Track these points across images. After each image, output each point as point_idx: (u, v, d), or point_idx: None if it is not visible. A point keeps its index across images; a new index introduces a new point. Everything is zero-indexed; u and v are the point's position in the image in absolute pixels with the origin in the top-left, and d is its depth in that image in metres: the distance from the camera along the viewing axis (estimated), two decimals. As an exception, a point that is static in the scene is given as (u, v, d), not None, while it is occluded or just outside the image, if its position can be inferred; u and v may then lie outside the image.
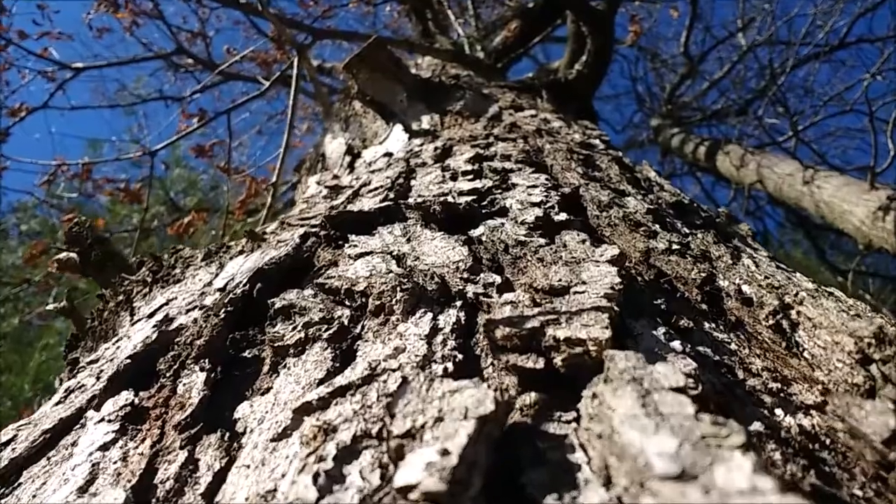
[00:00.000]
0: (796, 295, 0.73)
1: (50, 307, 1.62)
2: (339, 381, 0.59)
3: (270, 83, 3.82)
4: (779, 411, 0.59)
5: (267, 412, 0.66)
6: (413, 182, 1.59)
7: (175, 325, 1.08)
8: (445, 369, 0.60)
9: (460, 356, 0.65)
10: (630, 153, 8.62)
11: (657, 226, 1.03)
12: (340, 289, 0.88)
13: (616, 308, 0.66)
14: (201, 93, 6.99)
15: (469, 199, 1.26)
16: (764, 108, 6.91)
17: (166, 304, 1.27)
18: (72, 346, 1.59)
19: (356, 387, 0.57)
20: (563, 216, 1.09)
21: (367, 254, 1.01)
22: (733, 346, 0.75)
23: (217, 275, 1.34)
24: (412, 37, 5.77)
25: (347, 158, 2.60)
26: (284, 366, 0.74)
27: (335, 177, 2.55)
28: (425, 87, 2.78)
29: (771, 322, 0.72)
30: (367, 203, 1.43)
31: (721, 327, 0.79)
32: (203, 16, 6.83)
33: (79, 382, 1.02)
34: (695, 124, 8.13)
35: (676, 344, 0.65)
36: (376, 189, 1.55)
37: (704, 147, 7.15)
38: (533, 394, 0.55)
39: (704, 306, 0.84)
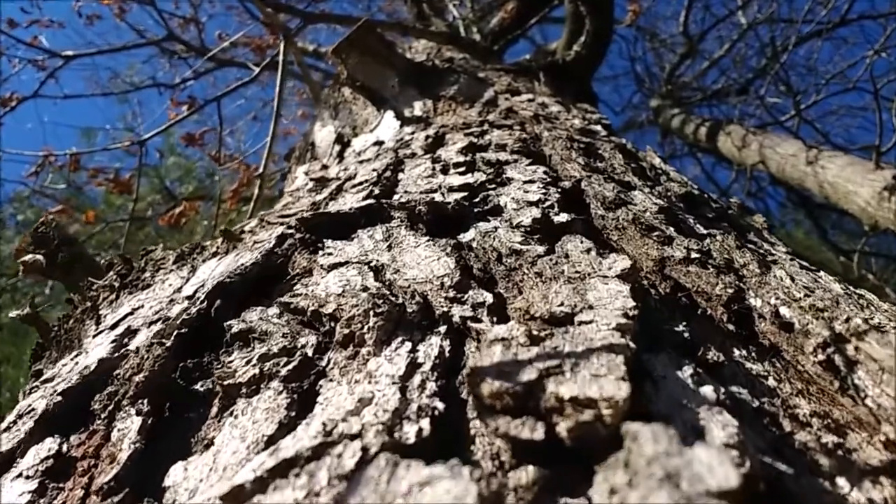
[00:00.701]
0: (848, 323, 0.60)
1: (13, 315, 1.49)
2: (287, 448, 0.46)
3: (260, 69, 3.67)
4: (842, 481, 0.46)
5: (201, 480, 0.53)
6: (401, 175, 1.46)
7: (135, 341, 0.95)
8: (419, 434, 0.46)
9: (440, 406, 0.52)
10: (629, 135, 8.46)
11: (671, 229, 0.90)
12: (307, 309, 0.74)
13: (632, 345, 0.52)
14: (195, 80, 6.84)
15: (460, 196, 1.12)
16: (766, 87, 6.74)
17: (131, 313, 1.14)
18: (37, 356, 1.47)
19: (304, 461, 0.44)
20: (563, 217, 0.96)
21: (343, 264, 0.88)
22: (771, 382, 0.61)
23: (188, 279, 1.21)
24: (407, 19, 5.61)
25: (337, 147, 2.46)
26: (232, 413, 0.61)
27: (324, 167, 2.42)
28: (418, 72, 2.63)
29: (821, 357, 0.58)
30: (350, 200, 1.30)
31: (754, 355, 0.66)
32: (195, 1, 6.66)
33: (29, 406, 0.90)
34: (695, 104, 7.95)
35: (708, 391, 0.52)
36: (361, 184, 1.42)
37: (705, 128, 6.98)
38: (531, 469, 0.42)
39: (731, 327, 0.71)
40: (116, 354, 0.88)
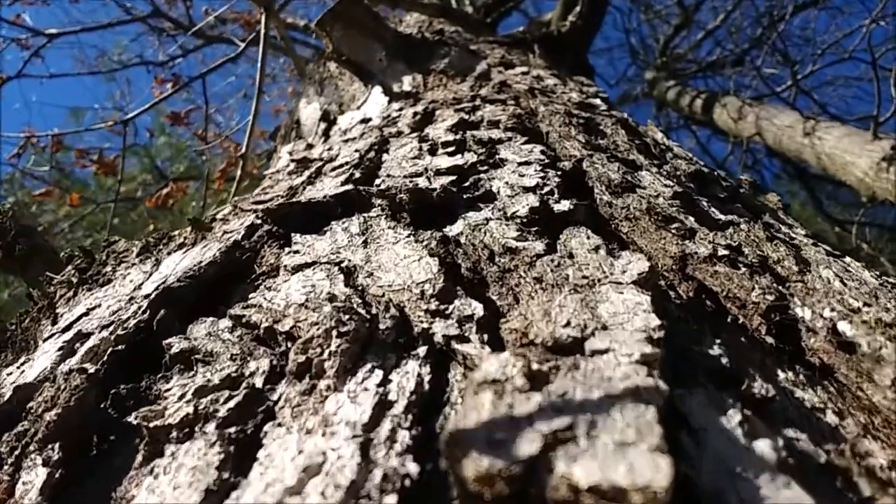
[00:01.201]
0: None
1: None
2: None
3: (245, 45, 3.50)
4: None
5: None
6: (385, 157, 1.32)
7: (85, 347, 0.82)
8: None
9: (414, 471, 0.39)
10: (624, 108, 8.28)
11: (691, 219, 0.76)
12: (261, 324, 0.61)
13: (663, 386, 0.39)
14: (183, 57, 6.65)
15: (447, 180, 0.99)
16: (762, 58, 6.56)
17: (86, 314, 1.01)
18: (-7, 358, 1.34)
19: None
20: (564, 205, 0.82)
21: (310, 265, 0.75)
22: (830, 416, 0.49)
23: (150, 275, 1.08)
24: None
25: (322, 125, 2.31)
26: (152, 471, 0.48)
27: (308, 146, 2.27)
28: (407, 45, 2.48)
29: (904, 394, 0.46)
30: (329, 185, 1.16)
31: (802, 378, 0.53)
32: (182, -24, 6.44)
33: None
34: (690, 76, 7.76)
35: (765, 448, 0.39)
36: (341, 167, 1.28)
37: (701, 100, 6.81)
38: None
39: (771, 340, 0.58)
40: (53, 373, 0.75)
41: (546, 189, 0.87)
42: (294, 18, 5.81)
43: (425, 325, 0.56)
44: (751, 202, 1.26)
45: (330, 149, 1.82)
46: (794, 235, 1.06)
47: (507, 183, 0.93)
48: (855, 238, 5.89)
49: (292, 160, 1.73)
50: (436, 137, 1.32)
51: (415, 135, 1.40)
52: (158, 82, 4.25)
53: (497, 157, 1.09)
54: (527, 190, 0.87)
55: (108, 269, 1.23)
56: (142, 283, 1.04)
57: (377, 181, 1.12)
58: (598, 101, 1.75)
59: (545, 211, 0.80)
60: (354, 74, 2.37)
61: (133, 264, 1.20)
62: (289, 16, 5.94)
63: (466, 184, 1.00)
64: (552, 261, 0.63)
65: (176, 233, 1.30)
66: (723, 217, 0.94)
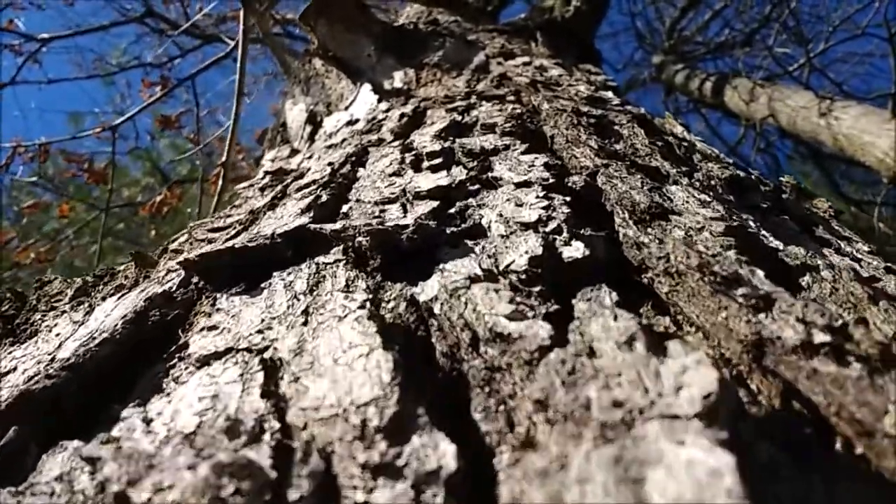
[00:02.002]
0: None
1: None
2: None
3: (235, 43, 3.27)
4: None
5: None
6: (361, 171, 1.09)
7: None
8: None
9: None
10: (632, 93, 8.00)
11: (759, 275, 0.52)
12: (112, 482, 0.39)
13: None
14: (181, 57, 6.45)
15: (427, 208, 0.76)
16: (773, 37, 6.25)
17: (-3, 381, 0.80)
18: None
19: None
20: (577, 249, 0.59)
21: (223, 354, 0.53)
22: None
23: (80, 326, 0.86)
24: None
25: (308, 128, 2.09)
26: None
27: (293, 151, 2.04)
28: (398, 38, 2.24)
29: None
30: (288, 212, 0.93)
31: None
32: (177, -25, 6.22)
33: None
34: (699, 59, 7.45)
35: None
36: (308, 186, 1.05)
37: (711, 82, 6.52)
38: None
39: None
40: None
41: (552, 225, 0.64)
42: (284, 13, 5.56)
43: (360, 500, 0.34)
44: (798, 211, 1.03)
45: (310, 157, 1.60)
46: (858, 255, 0.83)
47: (500, 215, 0.70)
48: (877, 220, 5.61)
49: (266, 172, 1.50)
50: (421, 147, 1.09)
51: (398, 143, 1.17)
52: (147, 85, 4.04)
53: (490, 174, 0.86)
54: (526, 227, 0.64)
55: (38, 316, 1.01)
56: (66, 339, 0.83)
57: (344, 207, 0.89)
58: (609, 95, 1.51)
59: (551, 260, 0.57)
60: (341, 72, 2.14)
61: (63, 311, 0.98)
62: (290, 11, 5.71)
63: (452, 210, 0.77)
64: (563, 363, 0.40)
65: (121, 269, 1.08)
66: (781, 246, 0.71)
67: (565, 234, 0.62)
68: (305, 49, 2.31)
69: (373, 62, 2.15)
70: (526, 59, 2.05)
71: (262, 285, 0.66)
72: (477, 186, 0.85)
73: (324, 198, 0.95)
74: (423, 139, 1.15)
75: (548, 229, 0.63)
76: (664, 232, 0.62)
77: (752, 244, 0.63)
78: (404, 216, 0.75)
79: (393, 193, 0.86)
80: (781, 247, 0.68)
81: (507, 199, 0.74)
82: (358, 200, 0.89)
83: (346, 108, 2.02)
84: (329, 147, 1.58)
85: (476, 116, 1.32)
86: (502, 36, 2.58)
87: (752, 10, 7.15)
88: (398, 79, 2.03)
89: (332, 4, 2.12)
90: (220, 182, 2.25)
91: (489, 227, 0.69)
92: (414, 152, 1.10)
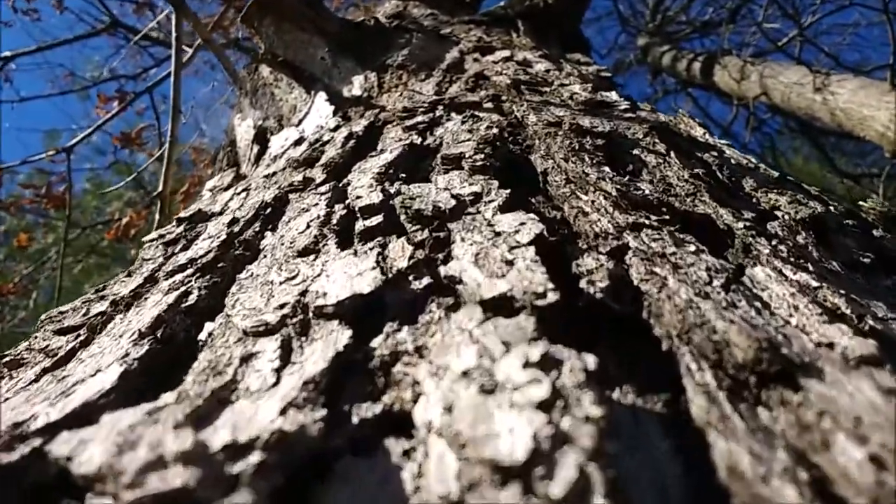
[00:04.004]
0: None
1: None
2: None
3: (193, 51, 2.88)
4: None
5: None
6: (265, 241, 0.72)
7: None
8: None
9: None
10: (617, 78, 7.57)
11: None
12: None
13: None
14: (157, 67, 6.06)
15: (317, 371, 0.39)
16: (763, 12, 5.83)
17: None
18: None
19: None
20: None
21: None
22: None
23: None
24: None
25: (255, 148, 1.71)
26: None
27: (237, 178, 1.67)
28: (357, 36, 1.86)
29: None
30: (112, 352, 0.56)
31: None
32: (146, -17, 5.80)
33: None
34: (685, 39, 7.02)
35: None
36: (185, 269, 0.68)
37: (699, 62, 6.11)
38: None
39: None
40: None
41: (566, 423, 0.27)
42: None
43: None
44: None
45: (244, 190, 1.23)
46: None
47: (455, 387, 0.33)
48: (884, 194, 5.24)
49: (178, 218, 1.13)
50: (355, 197, 0.72)
51: (327, 189, 0.79)
52: (103, 101, 3.63)
53: (447, 268, 0.49)
54: (511, 430, 0.27)
55: None
56: None
57: (208, 327, 0.52)
58: (611, 97, 1.13)
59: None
60: (292, 79, 1.76)
61: None
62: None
63: (371, 361, 0.41)
64: None
65: None
66: None
67: (601, 473, 0.24)
68: (254, 53, 1.92)
69: (328, 66, 1.76)
70: (506, 52, 1.67)
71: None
72: (423, 291, 0.48)
73: (191, 298, 0.58)
74: (362, 182, 0.77)
75: (541, 437, 0.26)
76: (803, 438, 0.26)
77: None
78: (276, 382, 0.38)
79: (282, 306, 0.48)
80: None
81: (473, 342, 0.37)
82: (228, 317, 0.51)
83: (298, 124, 1.64)
84: (266, 179, 1.20)
85: (440, 138, 0.95)
86: (479, 28, 2.20)
87: (736, -15, 6.71)
88: (357, 85, 1.65)
89: (277, 1, 1.74)
90: (158, 217, 1.87)
91: (430, 423, 0.32)
92: (345, 205, 0.73)
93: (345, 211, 0.72)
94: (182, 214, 1.16)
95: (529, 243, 0.50)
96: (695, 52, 6.38)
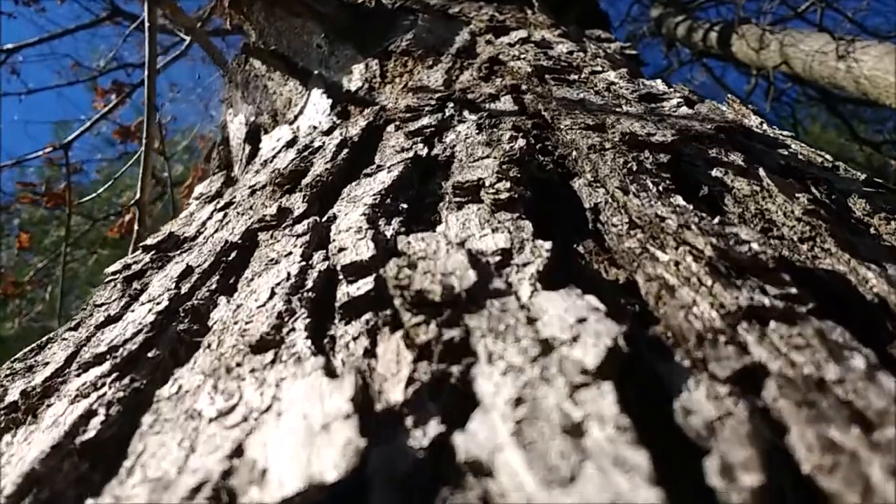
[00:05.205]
0: None
1: None
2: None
3: (191, 40, 2.68)
4: None
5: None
6: (216, 314, 0.52)
7: None
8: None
9: None
10: (631, 50, 7.24)
11: None
12: None
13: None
14: (163, 55, 5.83)
15: None
16: (783, -22, 5.50)
17: None
18: None
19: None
20: None
21: None
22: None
23: None
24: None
25: (247, 149, 1.51)
26: None
27: (226, 182, 1.46)
28: (357, 19, 1.64)
29: None
30: (52, 429, 0.37)
31: None
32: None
33: None
34: (700, 8, 6.69)
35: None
36: (103, 360, 0.49)
37: (715, 32, 5.80)
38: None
39: None
40: None
41: None
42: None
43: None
44: None
45: (224, 206, 1.04)
46: None
47: None
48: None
49: (144, 246, 0.94)
50: (336, 249, 0.52)
51: (303, 232, 0.59)
52: (101, 94, 3.42)
53: (460, 438, 0.29)
54: None
55: None
56: None
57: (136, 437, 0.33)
58: (656, 86, 0.91)
59: None
60: (285, 71, 1.55)
61: None
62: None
63: None
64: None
65: None
66: None
67: None
68: (244, 43, 1.72)
69: (325, 54, 1.55)
70: (522, 32, 1.45)
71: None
72: (427, 456, 0.28)
73: (93, 425, 0.39)
74: (351, 219, 0.57)
75: None
76: None
77: None
78: None
79: (196, 491, 0.29)
80: None
81: None
82: (123, 483, 0.32)
83: (293, 121, 1.44)
84: (250, 194, 1.01)
85: (451, 147, 0.74)
86: (490, 5, 1.96)
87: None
88: (357, 74, 1.44)
89: (267, -16, 1.52)
90: (136, 227, 1.68)
91: None
92: (325, 254, 0.53)
93: (325, 265, 0.52)
94: (149, 241, 0.96)
95: (599, 372, 0.29)
96: (711, 21, 6.06)
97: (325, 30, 1.56)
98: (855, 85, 4.74)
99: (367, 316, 0.44)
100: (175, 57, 3.08)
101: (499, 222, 0.50)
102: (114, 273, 0.89)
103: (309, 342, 0.41)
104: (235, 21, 1.70)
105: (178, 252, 0.86)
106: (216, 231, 0.89)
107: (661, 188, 0.52)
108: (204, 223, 1.00)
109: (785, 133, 0.91)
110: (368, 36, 1.55)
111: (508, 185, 0.54)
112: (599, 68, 1.08)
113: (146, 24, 1.48)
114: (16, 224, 6.77)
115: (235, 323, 0.47)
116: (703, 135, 0.66)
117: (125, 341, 0.49)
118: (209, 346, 0.46)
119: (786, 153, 0.75)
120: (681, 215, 0.44)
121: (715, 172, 0.56)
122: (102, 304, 0.76)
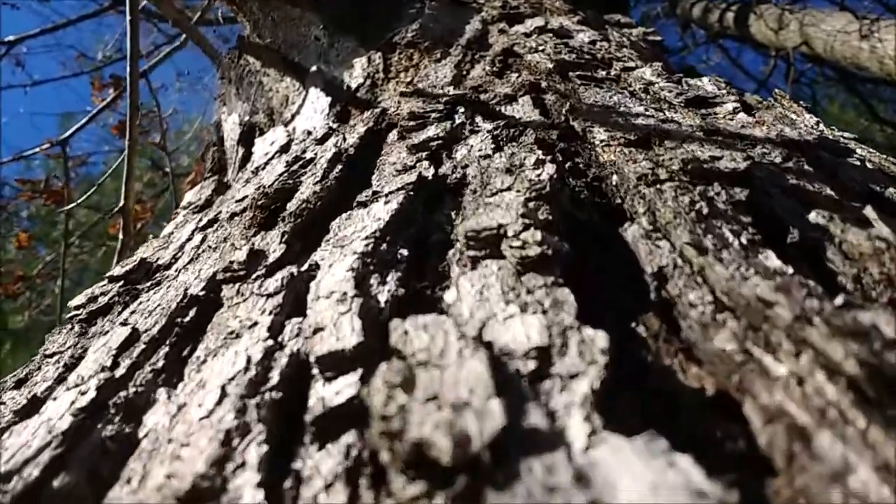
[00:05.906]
0: None
1: None
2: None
3: (184, 40, 2.54)
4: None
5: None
6: (148, 418, 0.39)
7: None
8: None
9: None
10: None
11: None
12: None
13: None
14: (168, 44, 5.69)
15: None
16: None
17: None
18: None
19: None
20: None
21: None
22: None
23: None
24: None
25: (240, 151, 1.38)
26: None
27: (218, 188, 1.33)
28: (358, 7, 1.49)
29: None
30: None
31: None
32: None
33: None
34: (715, -12, 6.46)
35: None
36: (19, 475, 0.36)
37: (732, 12, 5.58)
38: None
39: None
40: None
41: None
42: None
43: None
44: None
45: (208, 222, 0.91)
46: None
47: None
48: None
49: (112, 276, 0.81)
50: (311, 331, 0.39)
51: (274, 292, 0.46)
52: (98, 88, 3.29)
53: None
54: None
55: None
56: None
57: None
58: (707, 86, 0.76)
59: None
60: (279, 67, 1.41)
61: None
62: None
63: None
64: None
65: None
66: None
67: None
68: (239, 36, 1.58)
69: (324, 47, 1.41)
70: (539, 20, 1.30)
71: None
72: None
73: None
74: (335, 277, 0.44)
75: None
76: None
77: None
78: None
79: None
80: None
81: None
82: None
83: (290, 121, 1.30)
84: (228, 219, 0.88)
85: (462, 167, 0.61)
86: (502, -11, 1.81)
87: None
88: (359, 69, 1.30)
89: (260, -30, 1.38)
90: (121, 237, 1.56)
91: None
92: (295, 332, 0.40)
93: (297, 345, 0.39)
94: (116, 271, 0.83)
95: None
96: (727, 1, 5.83)
97: (325, 20, 1.42)
98: (879, 65, 4.54)
99: (348, 439, 0.31)
100: (177, 46, 2.94)
101: (528, 292, 0.37)
102: (76, 308, 0.77)
103: (261, 495, 0.28)
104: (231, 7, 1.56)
105: (145, 286, 0.73)
106: (190, 261, 0.76)
107: (743, 240, 0.38)
108: (182, 246, 0.87)
109: (847, 135, 0.77)
110: (371, 26, 1.41)
111: (539, 235, 0.41)
112: (631, 63, 0.93)
113: (128, 19, 1.35)
114: (24, 216, 6.68)
115: (170, 441, 0.34)
116: (775, 156, 0.52)
117: (26, 461, 0.36)
118: (129, 481, 0.33)
119: (857, 163, 0.61)
120: (793, 299, 0.31)
121: (798, 206, 0.42)
122: (54, 355, 0.64)
